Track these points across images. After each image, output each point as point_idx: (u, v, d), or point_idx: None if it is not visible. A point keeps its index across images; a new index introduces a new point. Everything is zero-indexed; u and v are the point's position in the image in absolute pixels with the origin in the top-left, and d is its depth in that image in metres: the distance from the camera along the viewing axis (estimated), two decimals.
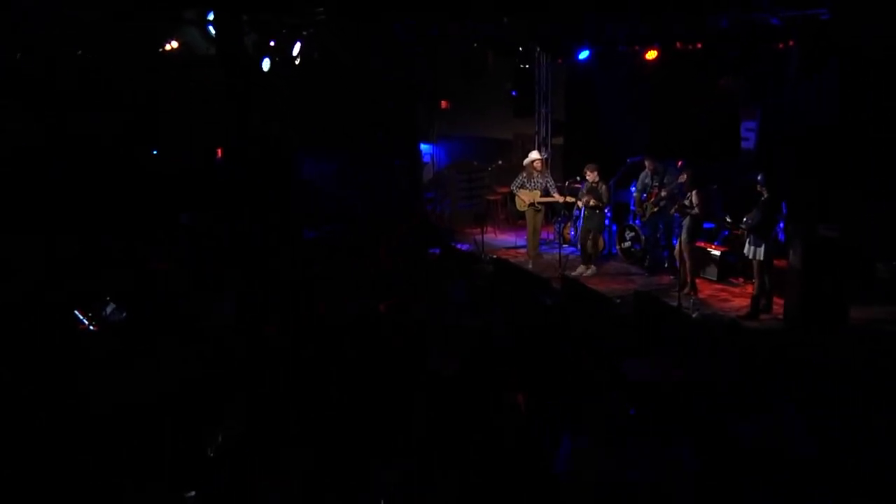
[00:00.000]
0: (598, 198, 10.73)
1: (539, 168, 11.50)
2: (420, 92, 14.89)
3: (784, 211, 8.67)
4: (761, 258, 8.74)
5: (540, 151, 12.14)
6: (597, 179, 10.75)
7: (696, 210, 9.36)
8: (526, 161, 11.69)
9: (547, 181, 11.51)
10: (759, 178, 8.73)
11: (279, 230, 12.18)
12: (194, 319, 7.62)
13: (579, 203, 10.98)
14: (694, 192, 9.41)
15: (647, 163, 10.69)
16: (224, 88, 12.16)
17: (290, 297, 8.54)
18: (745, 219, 8.92)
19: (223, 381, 6.10)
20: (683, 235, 9.62)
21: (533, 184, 11.52)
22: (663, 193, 10.33)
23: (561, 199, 11.39)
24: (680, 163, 10.70)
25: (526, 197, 11.53)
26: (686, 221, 9.55)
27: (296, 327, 7.39)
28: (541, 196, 11.46)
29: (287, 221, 12.57)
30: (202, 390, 5.87)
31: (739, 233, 9.56)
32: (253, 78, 12.25)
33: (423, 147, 16.04)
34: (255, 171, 12.68)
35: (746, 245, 8.95)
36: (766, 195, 8.68)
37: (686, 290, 9.66)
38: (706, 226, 10.23)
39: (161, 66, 12.21)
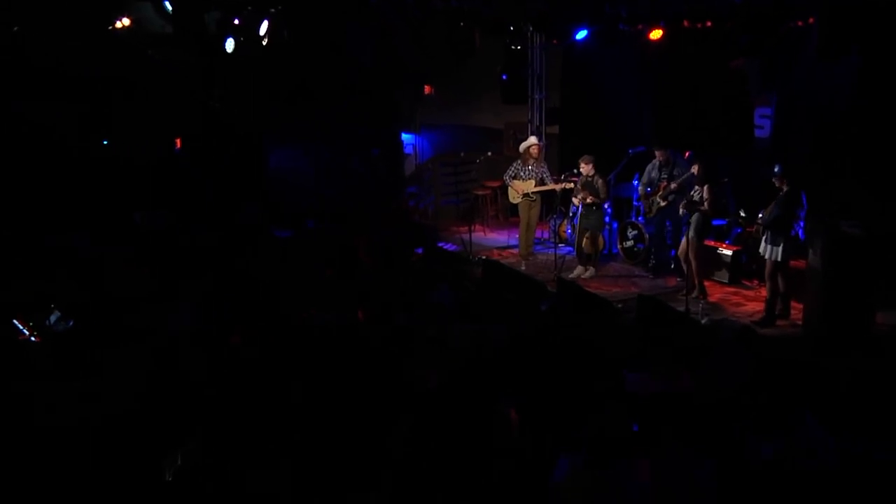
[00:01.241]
0: (594, 193, 10.71)
1: (535, 155, 11.50)
2: (401, 76, 14.86)
3: (805, 206, 8.68)
4: (778, 258, 8.75)
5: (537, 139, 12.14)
6: (592, 172, 10.72)
7: (705, 206, 9.38)
8: (522, 146, 11.70)
9: (543, 170, 11.52)
10: (776, 169, 8.75)
11: (245, 229, 12.15)
12: (150, 330, 7.54)
13: (574, 200, 10.95)
14: (705, 187, 9.42)
15: (657, 153, 10.69)
16: (182, 71, 12.08)
17: (257, 303, 8.48)
18: (759, 215, 8.95)
19: (182, 397, 6.05)
20: (691, 233, 9.64)
21: (527, 173, 11.52)
22: (673, 186, 10.33)
23: (557, 188, 11.39)
24: (687, 154, 10.73)
25: (519, 187, 11.54)
26: (694, 218, 9.57)
27: (264, 338, 7.33)
28: (535, 186, 11.47)
29: (254, 219, 12.55)
30: (157, 408, 5.82)
31: (753, 230, 9.59)
32: (215, 60, 12.18)
33: (405, 137, 16.03)
34: (218, 164, 12.61)
35: (762, 244, 8.97)
36: (784, 189, 8.70)
37: (694, 294, 9.68)
38: (716, 223, 10.25)
39: (111, 45, 12.08)
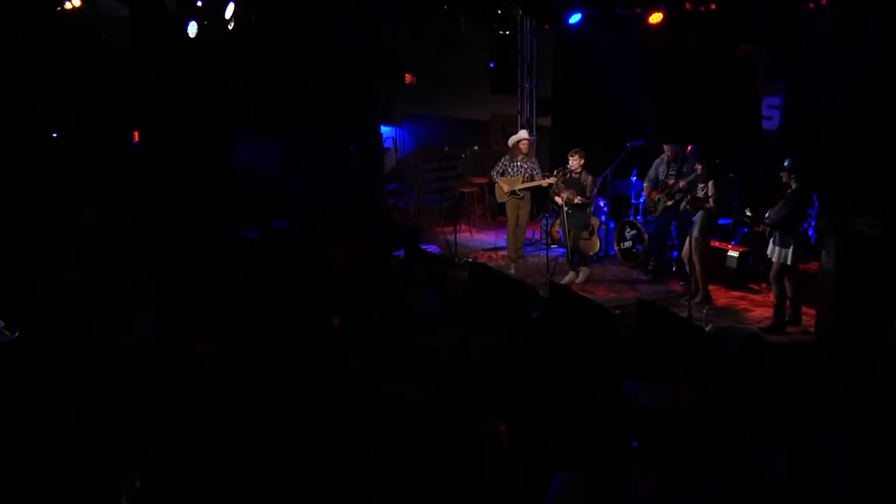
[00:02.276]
0: (580, 191, 10.66)
1: (525, 150, 11.51)
2: (380, 64, 14.83)
3: (816, 204, 8.73)
4: (788, 261, 8.79)
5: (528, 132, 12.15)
6: (580, 168, 10.67)
7: (711, 203, 9.41)
8: (511, 140, 11.69)
9: (532, 167, 11.52)
10: (785, 163, 8.79)
11: (211, 230, 12.10)
12: (105, 340, 7.48)
13: (558, 199, 10.89)
14: (710, 183, 9.45)
15: (665, 148, 10.72)
16: (140, 58, 12.00)
17: (225, 311, 8.49)
18: (767, 213, 8.99)
19: (142, 413, 6.02)
20: (696, 233, 9.65)
21: (515, 169, 11.53)
22: (681, 184, 10.35)
23: (544, 182, 11.39)
24: (690, 148, 10.75)
25: (506, 185, 11.55)
26: (699, 216, 9.59)
27: (232, 348, 7.32)
28: (522, 182, 11.48)
29: (221, 219, 12.50)
30: (114, 424, 5.78)
31: (760, 230, 9.64)
32: (176, 46, 12.10)
33: (384, 130, 16.01)
34: (180, 159, 12.54)
35: (770, 245, 9.01)
36: (793, 185, 8.75)
37: (698, 299, 9.71)
38: (722, 222, 10.29)
39: (59, 28, 11.98)
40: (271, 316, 8.30)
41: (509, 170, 11.56)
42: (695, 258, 9.72)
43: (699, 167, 9.73)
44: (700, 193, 9.61)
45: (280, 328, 7.92)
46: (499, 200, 11.96)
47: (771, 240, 9.00)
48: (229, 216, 12.69)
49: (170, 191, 12.27)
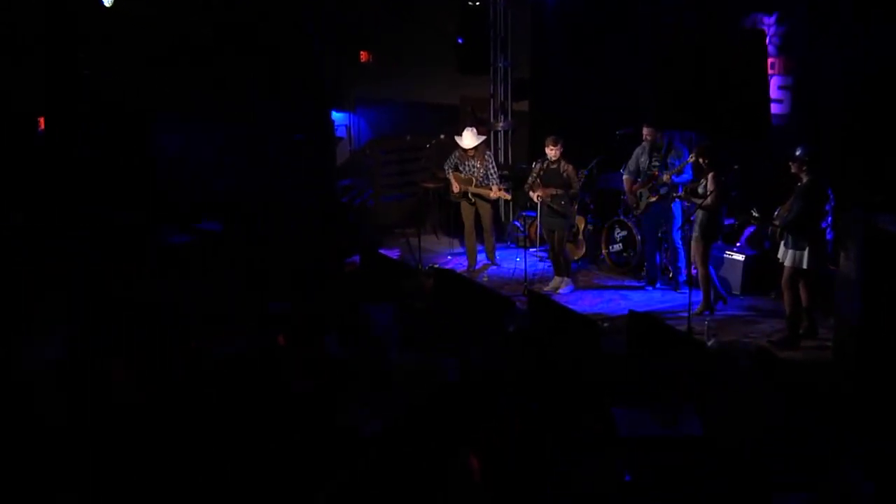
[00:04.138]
0: (560, 184, 10.63)
1: (471, 153, 11.50)
2: (330, 39, 14.77)
3: (832, 199, 8.77)
4: (804, 265, 8.82)
5: (476, 131, 11.97)
6: (557, 157, 10.64)
7: (708, 200, 9.43)
8: (458, 140, 11.67)
9: (487, 168, 11.50)
10: (797, 152, 8.81)
11: (130, 233, 11.99)
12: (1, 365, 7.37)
13: (532, 196, 10.85)
14: (710, 176, 9.47)
15: (644, 132, 10.71)
16: (45, 29, 11.84)
17: (147, 328, 8.38)
18: (776, 211, 9.02)
19: (48, 450, 5.94)
20: (695, 233, 9.68)
21: (468, 168, 11.52)
22: (665, 177, 10.38)
23: (492, 194, 11.38)
24: (688, 134, 10.78)
25: (459, 183, 11.54)
26: (698, 215, 9.62)
27: (156, 370, 7.22)
28: (475, 186, 11.46)
29: (142, 221, 12.39)
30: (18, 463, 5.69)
31: (769, 231, 9.70)
32: (87, 15, 11.97)
33: (336, 116, 15.95)
34: (93, 150, 12.38)
35: (781, 247, 9.04)
36: (803, 179, 8.77)
37: (698, 310, 9.74)
38: (727, 221, 10.32)
39: None
40: (203, 333, 8.24)
41: (461, 167, 11.55)
42: (697, 261, 9.75)
43: (698, 158, 9.74)
44: (700, 188, 9.63)
45: (213, 347, 7.85)
46: (452, 199, 11.95)
47: (782, 242, 9.03)
48: (152, 218, 12.56)
49: (80, 189, 12.11)
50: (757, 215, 9.57)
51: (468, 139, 11.58)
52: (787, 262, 8.94)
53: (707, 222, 9.61)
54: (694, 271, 10.04)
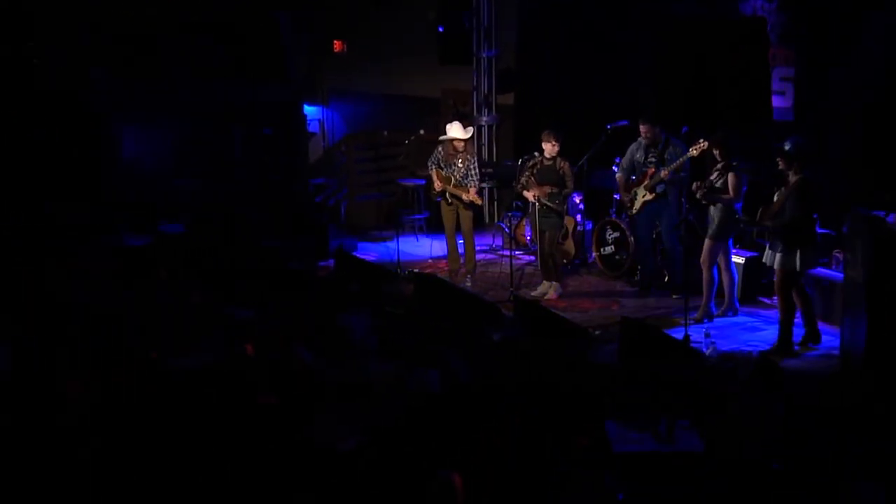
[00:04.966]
0: (557, 182, 10.63)
1: (459, 149, 11.47)
2: (301, 27, 14.73)
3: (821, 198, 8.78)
4: (797, 267, 8.83)
5: (466, 123, 11.96)
6: (555, 154, 10.65)
7: (731, 193, 9.40)
8: (443, 137, 11.63)
9: (469, 167, 11.47)
10: (786, 146, 8.73)
11: (83, 235, 11.93)
12: None
13: (528, 195, 10.84)
14: (730, 173, 9.43)
15: (641, 128, 10.71)
16: None
17: (103, 338, 8.33)
18: (759, 210, 9.00)
19: None
20: (711, 230, 9.60)
21: (451, 168, 11.49)
22: (663, 174, 10.38)
23: (466, 197, 11.36)
24: (684, 130, 10.78)
25: (440, 180, 11.52)
26: (716, 213, 9.55)
27: (112, 384, 7.16)
28: (453, 186, 11.44)
29: (96, 222, 12.33)
30: None
31: (755, 233, 9.72)
32: (38, 4, 11.90)
33: (308, 110, 15.91)
34: (40, 145, 12.29)
35: (767, 251, 9.03)
36: (793, 176, 8.73)
37: (697, 316, 9.75)
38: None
39: None
40: (164, 342, 8.17)
41: (444, 165, 11.52)
42: (703, 261, 9.71)
43: (696, 149, 9.74)
44: (718, 183, 9.51)
45: (175, 357, 7.81)
46: (432, 196, 11.94)
47: (768, 244, 9.03)
48: (108, 219, 12.49)
49: (26, 187, 12.03)
50: (746, 219, 9.53)
51: (457, 130, 11.57)
52: (777, 266, 8.93)
53: (726, 219, 9.54)
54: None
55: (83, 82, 12.97)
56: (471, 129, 11.81)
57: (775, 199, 8.85)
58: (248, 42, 13.89)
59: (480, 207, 11.54)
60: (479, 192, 11.80)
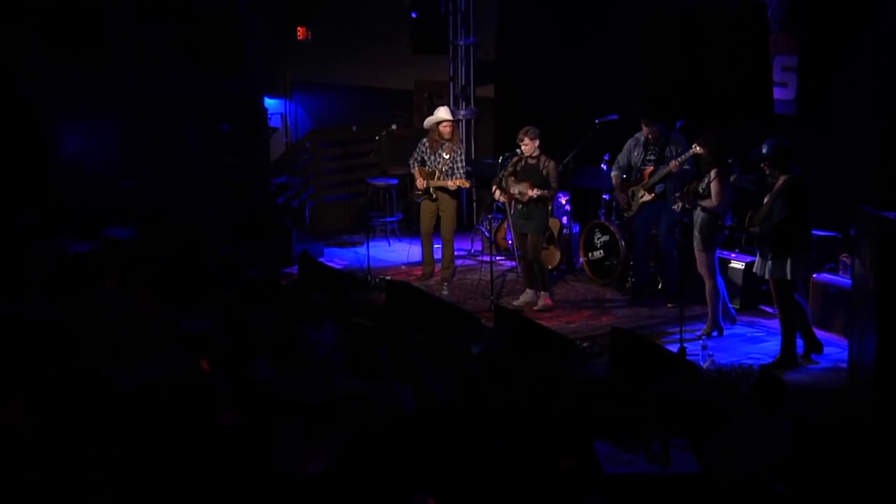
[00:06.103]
0: (540, 183, 10.64)
1: (447, 135, 11.49)
2: (261, 13, 14.73)
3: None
4: (787, 276, 8.88)
5: (453, 108, 12.07)
6: (537, 152, 10.68)
7: (713, 200, 9.44)
8: (428, 122, 11.65)
9: (456, 159, 11.49)
10: (763, 150, 8.77)
11: (23, 242, 11.93)
12: None
13: (502, 197, 10.85)
14: (713, 173, 9.47)
15: (644, 127, 10.73)
16: None
17: (44, 354, 8.36)
18: (748, 215, 9.05)
19: None
20: (697, 240, 9.65)
21: (435, 160, 11.51)
22: (672, 165, 10.37)
23: (453, 185, 11.38)
24: (679, 124, 10.83)
25: (422, 178, 11.55)
26: (697, 219, 9.62)
27: (53, 404, 7.17)
28: (436, 180, 11.45)
29: (39, 228, 12.33)
30: None
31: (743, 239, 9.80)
32: None
33: (270, 103, 15.90)
34: None
35: (758, 260, 9.08)
36: (780, 179, 8.78)
37: (705, 330, 9.77)
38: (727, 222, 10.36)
39: None
40: (112, 358, 8.20)
41: (428, 159, 11.54)
42: (701, 272, 9.76)
43: (696, 147, 9.78)
44: (701, 187, 9.58)
45: (124, 374, 7.85)
46: (413, 198, 11.97)
47: (759, 252, 9.08)
48: (48, 223, 12.47)
49: None
50: (732, 225, 9.57)
51: (445, 112, 11.64)
52: (768, 276, 8.99)
53: (708, 226, 9.58)
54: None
55: (16, 68, 12.92)
56: (465, 111, 11.87)
57: (764, 202, 8.92)
58: (202, 27, 13.87)
59: (470, 191, 11.52)
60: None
